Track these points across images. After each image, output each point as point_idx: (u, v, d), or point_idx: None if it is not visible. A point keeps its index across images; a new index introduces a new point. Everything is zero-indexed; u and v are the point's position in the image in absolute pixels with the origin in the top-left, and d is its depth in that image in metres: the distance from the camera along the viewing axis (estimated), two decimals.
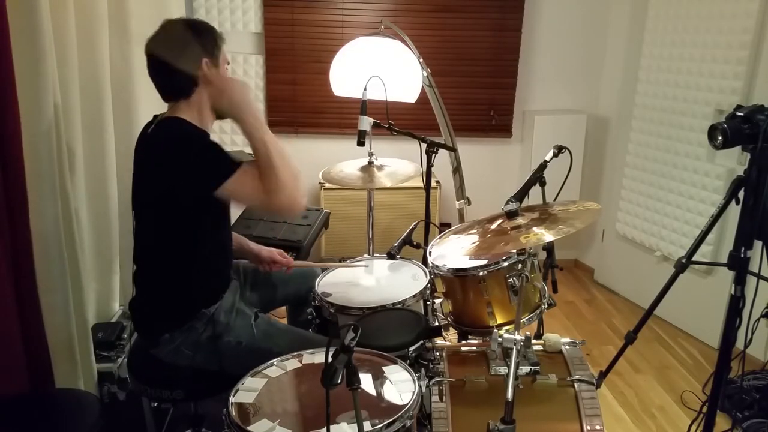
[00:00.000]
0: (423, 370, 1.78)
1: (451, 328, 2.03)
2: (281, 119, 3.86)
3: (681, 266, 2.14)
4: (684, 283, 2.23)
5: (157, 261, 1.79)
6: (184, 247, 1.73)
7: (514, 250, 1.79)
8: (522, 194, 1.95)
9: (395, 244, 2.29)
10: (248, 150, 3.55)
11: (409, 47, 2.87)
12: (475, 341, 1.97)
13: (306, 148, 3.93)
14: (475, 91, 3.88)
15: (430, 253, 1.97)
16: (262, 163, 1.64)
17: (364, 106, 2.43)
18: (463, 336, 1.98)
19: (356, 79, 2.65)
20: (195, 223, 1.71)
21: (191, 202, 1.66)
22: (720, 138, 1.77)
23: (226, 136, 3.79)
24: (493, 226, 1.75)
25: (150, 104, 2.65)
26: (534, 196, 2.04)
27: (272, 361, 1.63)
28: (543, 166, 2.07)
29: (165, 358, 1.79)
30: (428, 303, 2.16)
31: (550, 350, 1.88)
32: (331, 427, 1.26)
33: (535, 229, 1.62)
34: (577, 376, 1.75)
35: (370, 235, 2.77)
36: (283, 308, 2.45)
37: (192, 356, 1.79)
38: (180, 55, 1.72)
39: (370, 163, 2.56)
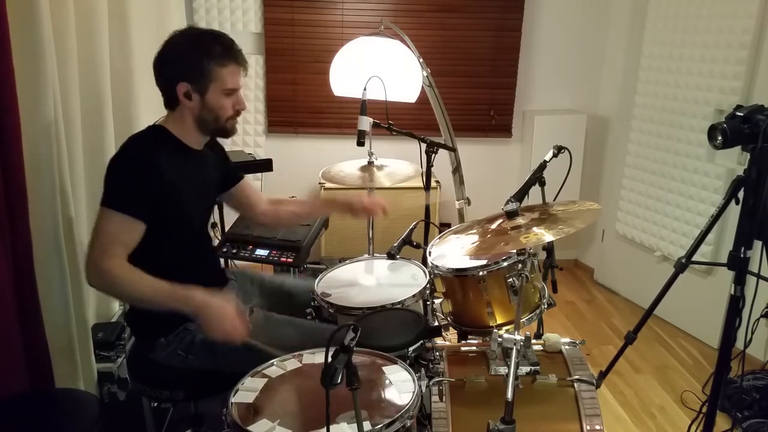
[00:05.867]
0: (423, 370, 1.78)
1: (450, 328, 2.02)
2: (281, 119, 3.86)
3: (681, 266, 2.14)
4: (684, 283, 2.23)
5: (141, 266, 1.72)
6: (154, 252, 1.68)
7: (514, 250, 1.79)
8: (522, 194, 1.95)
9: (395, 244, 2.29)
10: (248, 150, 3.56)
11: (409, 47, 2.87)
12: (475, 341, 1.97)
13: (306, 148, 3.93)
14: (475, 91, 3.89)
15: (429, 253, 1.97)
16: (135, 294, 1.62)
17: (363, 106, 2.43)
18: (463, 336, 1.98)
19: (356, 79, 2.65)
20: (150, 232, 1.69)
21: None
22: (720, 138, 1.77)
23: None
24: (493, 226, 1.75)
25: (150, 105, 2.65)
26: (534, 196, 2.04)
27: (272, 360, 1.63)
28: (543, 166, 2.07)
29: (162, 361, 1.79)
30: (428, 303, 2.16)
31: (550, 350, 1.88)
32: (331, 427, 1.26)
33: (535, 229, 1.62)
34: (577, 376, 1.75)
35: (370, 235, 2.77)
36: None
37: (187, 358, 1.78)
38: (160, 69, 1.74)
39: (370, 163, 2.56)
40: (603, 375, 2.39)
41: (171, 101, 1.75)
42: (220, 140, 1.98)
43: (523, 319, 1.84)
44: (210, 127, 1.79)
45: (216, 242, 2.63)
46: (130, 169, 1.67)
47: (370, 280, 2.26)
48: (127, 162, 1.68)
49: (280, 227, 2.36)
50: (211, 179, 1.96)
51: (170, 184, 1.69)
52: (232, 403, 1.45)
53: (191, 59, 1.70)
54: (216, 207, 2.83)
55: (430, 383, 1.73)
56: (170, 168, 1.70)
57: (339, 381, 1.18)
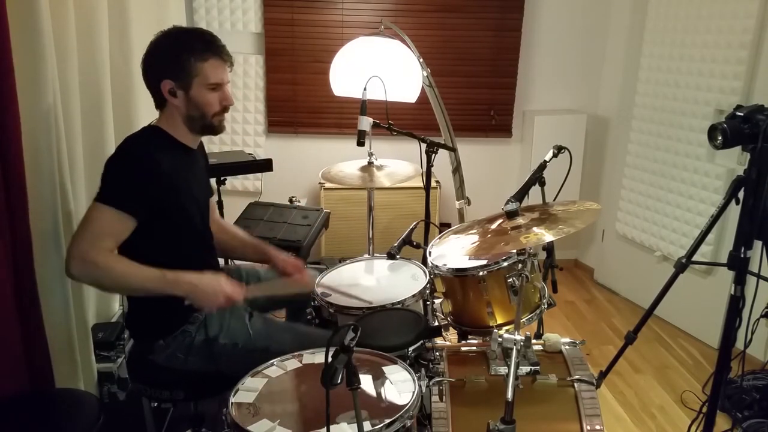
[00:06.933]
0: (423, 370, 1.78)
1: (451, 328, 2.02)
2: (281, 119, 3.86)
3: (681, 266, 2.14)
4: (684, 283, 2.23)
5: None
6: (152, 254, 1.68)
7: (514, 250, 1.79)
8: (522, 194, 1.94)
9: (395, 244, 2.29)
10: (248, 150, 3.55)
11: (409, 47, 2.87)
12: (475, 341, 1.97)
13: (306, 148, 3.93)
14: (475, 91, 3.88)
15: (429, 253, 1.97)
16: (122, 281, 1.63)
17: (363, 106, 2.43)
18: (463, 336, 1.98)
19: (356, 79, 2.65)
20: (150, 230, 1.69)
21: None
22: (720, 138, 1.77)
23: (227, 136, 3.80)
24: (493, 226, 1.75)
25: (150, 104, 2.64)
26: (534, 196, 2.04)
27: (272, 361, 1.63)
28: (543, 166, 2.07)
29: (162, 363, 1.79)
30: (428, 303, 2.16)
31: (550, 350, 1.88)
32: (331, 427, 1.26)
33: (535, 229, 1.61)
34: (577, 376, 1.75)
35: (370, 235, 2.77)
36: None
37: (187, 360, 1.79)
38: (146, 71, 1.76)
39: (370, 163, 2.56)
40: (603, 375, 2.39)
41: (159, 101, 1.78)
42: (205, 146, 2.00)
43: (523, 319, 1.84)
44: (198, 124, 1.80)
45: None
46: (128, 166, 1.68)
47: (370, 280, 2.26)
48: (124, 159, 1.70)
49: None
50: (205, 178, 1.99)
51: (169, 180, 1.71)
52: (232, 403, 1.45)
53: (172, 56, 1.72)
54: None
55: (430, 383, 1.73)
56: (168, 165, 1.72)
57: (339, 381, 1.19)
